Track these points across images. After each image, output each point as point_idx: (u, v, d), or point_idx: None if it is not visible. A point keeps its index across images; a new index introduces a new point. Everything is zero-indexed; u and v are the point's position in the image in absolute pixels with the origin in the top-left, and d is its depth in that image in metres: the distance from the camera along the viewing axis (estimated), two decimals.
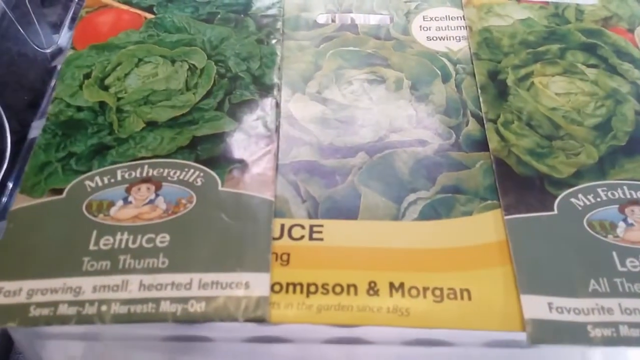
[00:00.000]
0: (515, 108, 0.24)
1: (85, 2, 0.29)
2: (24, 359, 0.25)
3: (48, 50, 0.33)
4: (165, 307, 0.18)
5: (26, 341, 0.20)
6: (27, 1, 0.33)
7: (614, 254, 0.20)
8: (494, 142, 0.23)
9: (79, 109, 0.24)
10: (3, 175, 0.28)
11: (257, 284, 0.19)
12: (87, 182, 0.21)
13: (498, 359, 0.22)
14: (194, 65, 0.25)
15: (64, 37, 0.34)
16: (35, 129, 0.29)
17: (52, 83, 0.31)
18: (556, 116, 0.24)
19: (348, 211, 0.21)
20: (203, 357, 0.23)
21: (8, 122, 0.29)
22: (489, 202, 0.21)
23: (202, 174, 0.22)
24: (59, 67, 0.29)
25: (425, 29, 0.27)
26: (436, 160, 0.23)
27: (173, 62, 0.26)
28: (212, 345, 0.23)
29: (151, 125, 0.23)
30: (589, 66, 0.26)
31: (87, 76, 0.25)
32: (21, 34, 0.32)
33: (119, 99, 0.24)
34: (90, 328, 0.21)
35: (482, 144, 0.23)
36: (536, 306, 0.19)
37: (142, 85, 0.25)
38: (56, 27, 0.35)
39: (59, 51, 0.34)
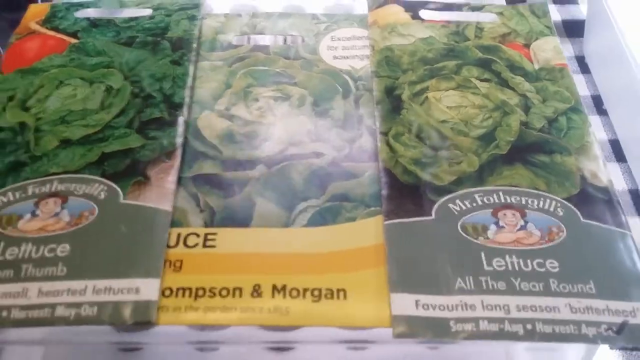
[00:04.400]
0: (407, 121, 0.26)
1: (16, 30, 0.31)
2: None
3: None
4: (60, 311, 0.20)
5: None
6: None
7: (482, 254, 0.21)
8: (383, 153, 0.24)
9: (0, 129, 0.25)
10: None
11: (146, 289, 0.20)
12: (0, 198, 0.23)
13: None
14: (110, 86, 0.27)
15: None
16: None
17: None
18: (445, 128, 0.25)
19: (242, 219, 0.23)
20: None
21: None
22: (372, 208, 0.23)
23: (105, 188, 0.23)
24: None
25: (332, 48, 0.29)
26: (329, 170, 0.24)
27: (91, 83, 0.27)
28: (156, 349, 0.25)
29: (65, 143, 0.25)
30: (482, 80, 0.27)
31: (11, 99, 0.27)
32: None
33: (38, 119, 0.26)
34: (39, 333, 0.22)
35: (372, 155, 0.25)
36: (404, 303, 0.20)
37: (61, 106, 0.26)
38: None
39: None
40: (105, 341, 0.24)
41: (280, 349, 0.25)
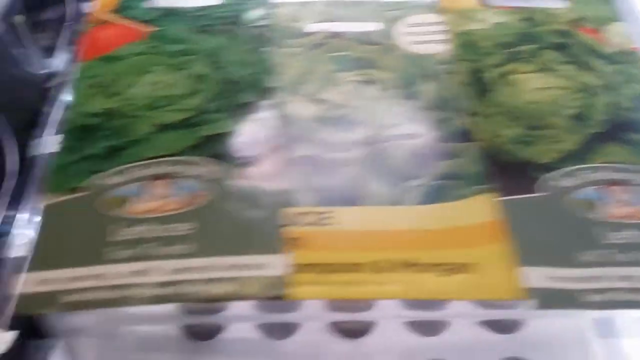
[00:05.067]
0: (496, 103, 0.26)
1: (88, 19, 0.30)
2: None
3: (42, 72, 0.34)
4: (189, 288, 0.20)
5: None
6: (18, 28, 0.34)
7: (601, 228, 0.22)
8: (480, 133, 0.25)
9: (92, 115, 0.25)
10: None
11: (273, 265, 0.20)
12: (103, 181, 0.23)
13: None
14: (196, 72, 0.27)
15: (59, 60, 0.35)
16: (36, 147, 0.30)
17: (55, 102, 0.31)
18: (536, 108, 0.26)
19: (351, 199, 0.23)
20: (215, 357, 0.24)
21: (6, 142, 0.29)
22: (478, 187, 0.23)
23: (212, 170, 0.23)
24: (55, 87, 0.30)
25: (408, 34, 0.29)
26: (428, 151, 0.24)
27: (176, 70, 0.27)
28: (223, 344, 0.25)
29: (161, 127, 0.25)
30: (561, 63, 0.28)
31: (96, 85, 0.26)
32: (14, 59, 0.33)
33: (128, 105, 0.26)
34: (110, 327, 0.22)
35: (467, 136, 0.25)
36: (535, 276, 0.20)
37: (150, 92, 0.26)
38: (48, 51, 0.35)
39: (54, 73, 0.35)
40: (174, 326, 0.24)
41: (352, 335, 0.25)
